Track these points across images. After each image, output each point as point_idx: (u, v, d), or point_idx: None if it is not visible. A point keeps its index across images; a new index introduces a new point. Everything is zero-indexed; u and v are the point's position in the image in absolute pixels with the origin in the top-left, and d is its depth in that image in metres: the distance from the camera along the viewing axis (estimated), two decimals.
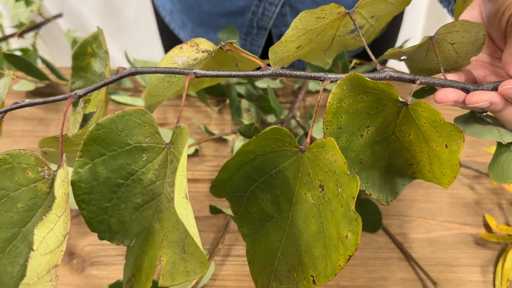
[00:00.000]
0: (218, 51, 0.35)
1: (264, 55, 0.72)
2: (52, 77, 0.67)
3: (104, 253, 0.56)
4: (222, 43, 0.34)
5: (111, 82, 0.30)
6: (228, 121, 0.66)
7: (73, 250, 0.56)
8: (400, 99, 0.30)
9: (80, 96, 0.30)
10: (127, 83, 0.69)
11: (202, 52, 0.35)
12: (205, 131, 0.64)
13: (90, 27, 1.28)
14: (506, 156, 0.33)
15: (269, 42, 0.70)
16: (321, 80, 0.32)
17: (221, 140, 0.64)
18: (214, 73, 0.31)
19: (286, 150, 0.31)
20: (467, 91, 0.33)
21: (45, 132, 0.65)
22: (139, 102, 0.66)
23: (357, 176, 0.26)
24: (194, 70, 0.31)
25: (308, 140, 0.30)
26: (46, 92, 0.68)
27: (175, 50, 0.35)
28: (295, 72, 0.32)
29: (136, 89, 0.68)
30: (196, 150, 0.63)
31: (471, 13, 0.36)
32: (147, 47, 1.14)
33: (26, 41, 0.79)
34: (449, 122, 0.29)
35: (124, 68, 0.31)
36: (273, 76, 0.32)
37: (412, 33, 1.26)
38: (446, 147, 0.30)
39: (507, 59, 0.32)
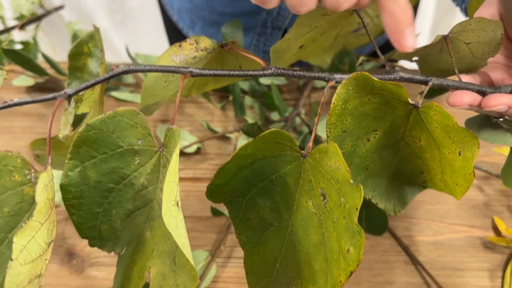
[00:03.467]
0: (219, 50, 0.33)
1: None
2: (51, 72, 0.66)
3: (104, 254, 0.55)
4: (223, 41, 0.33)
5: (102, 81, 0.29)
6: (231, 118, 0.64)
7: (72, 250, 0.55)
8: (410, 101, 0.28)
9: (70, 95, 0.28)
10: (129, 78, 0.67)
11: (201, 50, 0.33)
12: (208, 129, 0.62)
13: (94, 18, 1.27)
14: None
15: None
16: (326, 81, 0.30)
17: (224, 138, 0.62)
18: (211, 72, 0.30)
19: (286, 154, 0.29)
20: (483, 94, 0.30)
21: (45, 129, 0.63)
22: (139, 99, 0.64)
23: (361, 186, 0.25)
24: (190, 69, 0.29)
25: (310, 144, 0.29)
26: (46, 87, 0.67)
27: (174, 48, 0.33)
28: (298, 72, 0.30)
29: (138, 85, 0.66)
30: (199, 148, 0.61)
31: (489, 11, 0.33)
32: (152, 37, 1.12)
33: (28, 34, 0.77)
34: (463, 127, 0.27)
35: (117, 66, 0.30)
36: (274, 76, 0.30)
37: (420, 28, 1.23)
38: (460, 154, 0.28)
39: None
